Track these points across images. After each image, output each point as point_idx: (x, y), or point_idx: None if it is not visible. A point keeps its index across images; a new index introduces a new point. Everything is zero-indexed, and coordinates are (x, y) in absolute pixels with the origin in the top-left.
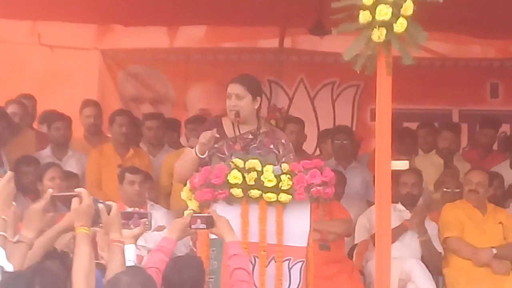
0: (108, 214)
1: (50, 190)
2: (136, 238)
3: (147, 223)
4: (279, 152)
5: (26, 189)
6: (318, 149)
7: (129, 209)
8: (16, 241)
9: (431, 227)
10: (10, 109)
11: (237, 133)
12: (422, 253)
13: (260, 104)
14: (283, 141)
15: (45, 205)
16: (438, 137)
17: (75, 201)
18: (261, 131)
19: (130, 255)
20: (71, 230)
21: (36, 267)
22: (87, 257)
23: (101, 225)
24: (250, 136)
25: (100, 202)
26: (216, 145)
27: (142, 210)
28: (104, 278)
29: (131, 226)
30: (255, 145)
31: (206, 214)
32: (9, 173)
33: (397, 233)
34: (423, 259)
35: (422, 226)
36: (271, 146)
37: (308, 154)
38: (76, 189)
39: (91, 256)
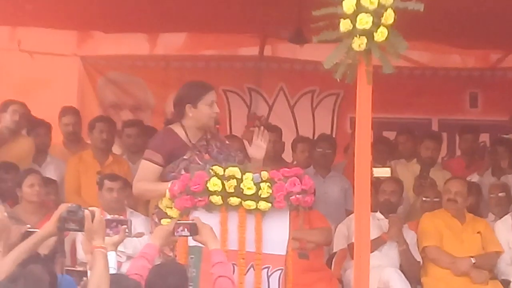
0: (92, 221)
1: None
2: (116, 245)
3: (127, 230)
4: (231, 153)
5: (5, 195)
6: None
7: (109, 216)
8: None
9: (410, 236)
10: (12, 108)
11: (189, 140)
12: (400, 262)
13: None
14: (227, 142)
15: None
16: (421, 146)
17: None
18: (209, 137)
19: (111, 262)
20: (54, 235)
21: (19, 272)
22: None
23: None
24: (204, 143)
25: (84, 209)
26: (185, 157)
27: (121, 217)
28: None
29: (111, 233)
30: (216, 150)
31: (190, 221)
32: None
33: (375, 245)
34: (401, 268)
35: (401, 236)
36: (225, 149)
37: (287, 163)
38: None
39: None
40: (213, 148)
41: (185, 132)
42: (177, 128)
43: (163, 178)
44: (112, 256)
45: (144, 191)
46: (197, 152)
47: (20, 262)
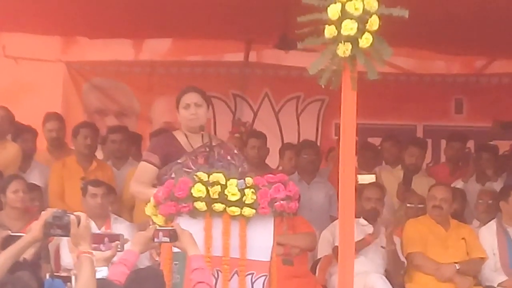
0: (78, 226)
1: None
2: (108, 261)
3: (119, 246)
4: (235, 163)
5: None
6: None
7: (100, 231)
8: None
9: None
10: None
11: (190, 146)
12: (386, 263)
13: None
14: (235, 151)
15: None
16: (405, 152)
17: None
18: (214, 144)
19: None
20: (40, 241)
21: (6, 278)
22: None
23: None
24: (207, 149)
25: (69, 214)
26: (179, 161)
27: (113, 233)
28: None
29: (103, 248)
30: (216, 158)
31: (169, 228)
32: None
33: (359, 247)
34: (386, 273)
35: (390, 237)
36: (229, 158)
37: (272, 169)
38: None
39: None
40: (214, 155)
41: (186, 138)
42: (178, 134)
43: (158, 180)
44: (104, 272)
45: (136, 192)
46: (193, 157)
47: (6, 268)
